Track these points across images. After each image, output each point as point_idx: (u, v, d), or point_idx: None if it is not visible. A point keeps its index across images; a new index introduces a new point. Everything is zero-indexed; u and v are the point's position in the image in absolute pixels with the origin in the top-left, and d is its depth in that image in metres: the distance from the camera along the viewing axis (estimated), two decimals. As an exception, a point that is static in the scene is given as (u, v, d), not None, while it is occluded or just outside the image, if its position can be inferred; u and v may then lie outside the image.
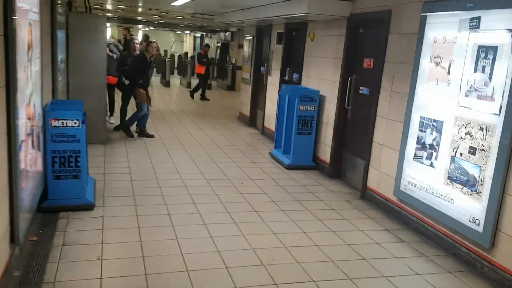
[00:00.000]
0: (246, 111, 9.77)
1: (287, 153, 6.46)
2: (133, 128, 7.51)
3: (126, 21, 21.20)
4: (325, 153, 6.14)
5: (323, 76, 6.28)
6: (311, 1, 5.52)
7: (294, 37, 7.56)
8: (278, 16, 6.46)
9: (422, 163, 4.16)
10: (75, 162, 4.10)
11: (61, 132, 4.00)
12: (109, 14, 16.88)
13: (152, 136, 7.41)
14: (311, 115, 6.20)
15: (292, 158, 6.24)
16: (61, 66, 5.44)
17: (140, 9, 13.19)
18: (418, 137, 4.23)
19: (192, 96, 13.18)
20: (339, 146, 5.93)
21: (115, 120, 8.39)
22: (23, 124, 2.91)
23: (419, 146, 4.20)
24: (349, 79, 5.63)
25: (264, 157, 6.88)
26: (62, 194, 4.08)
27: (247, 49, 9.82)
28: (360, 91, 5.53)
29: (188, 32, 26.45)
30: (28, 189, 3.14)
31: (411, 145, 4.32)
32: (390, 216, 4.65)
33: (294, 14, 5.91)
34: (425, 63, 4.13)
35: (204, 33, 23.68)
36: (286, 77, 7.70)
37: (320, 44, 6.42)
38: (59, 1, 5.23)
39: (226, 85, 17.05)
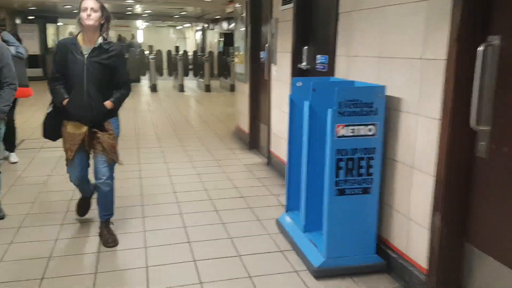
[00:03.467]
0: (244, 125, 6.19)
1: (314, 229, 2.88)
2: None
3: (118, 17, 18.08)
4: (411, 237, 2.48)
5: (391, 51, 2.60)
6: None
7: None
8: None
9: None
10: None
11: None
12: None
13: None
14: (369, 147, 2.54)
15: (327, 251, 2.60)
16: None
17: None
18: None
19: None
20: (453, 230, 2.24)
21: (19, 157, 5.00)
22: None
23: None
24: (482, 46, 1.96)
25: (266, 231, 3.27)
26: None
27: (239, 27, 6.22)
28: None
29: (189, 25, 23.11)
30: None
31: None
32: None
33: None
34: None
35: (206, 25, 20.32)
36: (304, 63, 4.08)
37: (375, -21, 2.77)
38: None
39: (230, 84, 13.54)
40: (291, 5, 4.22)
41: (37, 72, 14.50)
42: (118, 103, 3.00)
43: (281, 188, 4.11)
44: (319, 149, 2.77)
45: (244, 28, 5.92)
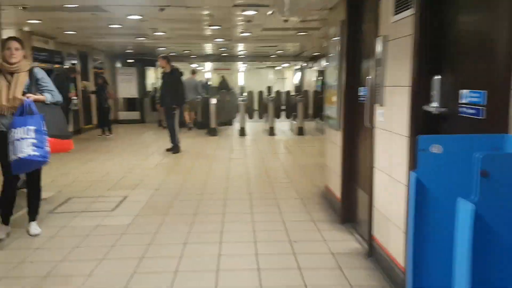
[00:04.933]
0: (335, 187, 4.50)
1: None
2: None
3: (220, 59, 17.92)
4: None
5: None
6: None
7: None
8: None
9: None
10: None
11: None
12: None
13: None
14: None
15: None
16: None
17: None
18: None
19: None
20: None
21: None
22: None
23: None
24: None
25: None
26: None
27: (332, 61, 4.67)
28: None
29: (287, 65, 22.28)
30: None
31: None
32: None
33: None
34: None
35: (304, 64, 19.20)
36: (434, 103, 2.36)
37: None
38: None
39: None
40: (410, 12, 2.57)
41: (135, 115, 14.58)
42: None
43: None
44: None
45: (337, 60, 4.35)
